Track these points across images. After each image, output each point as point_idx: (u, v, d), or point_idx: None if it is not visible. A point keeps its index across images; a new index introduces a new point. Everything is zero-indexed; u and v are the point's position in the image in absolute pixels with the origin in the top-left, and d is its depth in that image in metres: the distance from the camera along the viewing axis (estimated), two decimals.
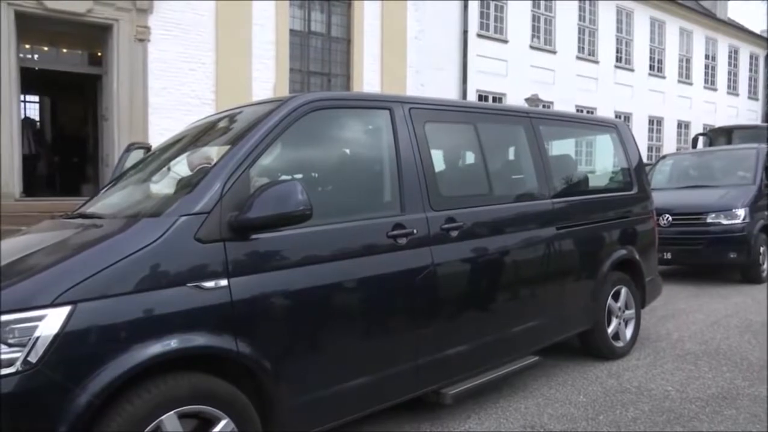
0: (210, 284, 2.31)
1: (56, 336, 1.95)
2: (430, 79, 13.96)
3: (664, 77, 21.20)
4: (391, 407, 3.14)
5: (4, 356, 1.90)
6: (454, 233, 3.23)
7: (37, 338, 1.93)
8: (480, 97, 15.43)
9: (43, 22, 9.76)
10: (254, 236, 2.45)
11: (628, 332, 4.67)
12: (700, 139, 16.13)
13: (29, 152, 11.24)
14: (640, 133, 19.05)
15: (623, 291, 4.60)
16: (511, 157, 4.25)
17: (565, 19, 17.61)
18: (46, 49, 11.41)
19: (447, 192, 3.34)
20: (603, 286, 4.35)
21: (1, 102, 9.00)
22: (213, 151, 2.98)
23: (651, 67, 20.76)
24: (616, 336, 4.55)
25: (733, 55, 24.61)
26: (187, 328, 2.24)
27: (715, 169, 8.77)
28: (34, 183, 10.57)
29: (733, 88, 24.66)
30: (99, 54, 11.05)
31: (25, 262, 2.30)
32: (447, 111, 3.67)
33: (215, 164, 2.55)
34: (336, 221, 2.81)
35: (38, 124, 13.79)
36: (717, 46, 23.59)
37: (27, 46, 11.01)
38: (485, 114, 3.97)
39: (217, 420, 2.28)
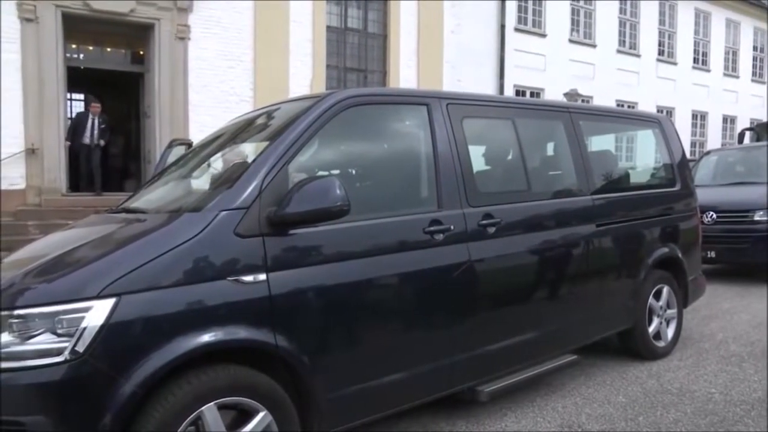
0: (249, 278, 2.35)
1: (102, 327, 2.02)
2: (467, 74, 13.85)
3: (708, 70, 20.57)
4: (427, 404, 3.13)
5: (53, 345, 1.98)
6: (492, 230, 3.21)
7: (84, 329, 2.00)
8: (517, 92, 15.25)
9: (89, 23, 10.06)
10: (292, 231, 2.48)
11: (670, 332, 4.57)
12: (747, 134, 15.60)
13: (90, 142, 10.31)
14: (683, 128, 18.54)
15: (665, 290, 4.50)
16: (550, 152, 4.19)
17: (606, 12, 17.24)
18: (91, 48, 11.74)
19: (484, 188, 3.32)
20: (644, 284, 4.26)
21: (49, 101, 9.32)
22: (251, 148, 3.02)
23: (695, 60, 20.17)
24: (657, 336, 4.45)
25: None
26: (227, 321, 2.28)
27: (762, 166, 8.46)
28: (80, 178, 10.77)
29: None
30: (141, 53, 11.33)
31: (72, 255, 2.38)
32: (485, 106, 3.63)
33: (254, 160, 2.58)
34: (373, 217, 2.81)
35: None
36: (766, 36, 22.75)
37: (73, 46, 11.35)
38: (524, 109, 3.92)
39: (255, 412, 2.32)
